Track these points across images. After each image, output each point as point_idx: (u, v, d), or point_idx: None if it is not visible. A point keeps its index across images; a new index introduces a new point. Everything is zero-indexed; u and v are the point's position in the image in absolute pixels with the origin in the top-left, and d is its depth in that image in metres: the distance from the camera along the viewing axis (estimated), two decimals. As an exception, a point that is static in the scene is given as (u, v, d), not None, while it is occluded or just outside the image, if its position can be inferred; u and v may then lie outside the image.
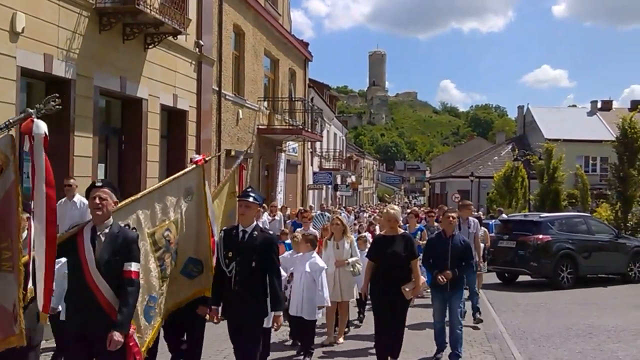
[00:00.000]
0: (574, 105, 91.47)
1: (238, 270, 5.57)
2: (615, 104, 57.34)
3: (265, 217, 15.85)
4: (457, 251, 7.82)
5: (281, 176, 24.94)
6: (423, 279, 7.40)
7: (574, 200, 33.78)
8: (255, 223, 5.79)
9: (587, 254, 15.77)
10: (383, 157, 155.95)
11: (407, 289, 7.07)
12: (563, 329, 10.38)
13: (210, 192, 6.53)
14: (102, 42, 11.90)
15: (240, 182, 7.39)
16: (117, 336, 4.41)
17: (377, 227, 12.18)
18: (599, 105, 55.34)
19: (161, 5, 12.69)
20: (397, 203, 66.87)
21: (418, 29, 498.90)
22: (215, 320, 5.79)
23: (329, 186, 37.67)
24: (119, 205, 5.01)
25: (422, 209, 27.27)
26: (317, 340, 8.51)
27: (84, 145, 11.36)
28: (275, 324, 5.68)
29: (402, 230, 7.81)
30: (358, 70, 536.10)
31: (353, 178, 53.82)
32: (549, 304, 12.98)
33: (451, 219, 8.03)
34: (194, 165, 6.18)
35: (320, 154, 36.49)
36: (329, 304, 8.30)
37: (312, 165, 33.18)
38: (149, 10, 11.94)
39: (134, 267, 4.61)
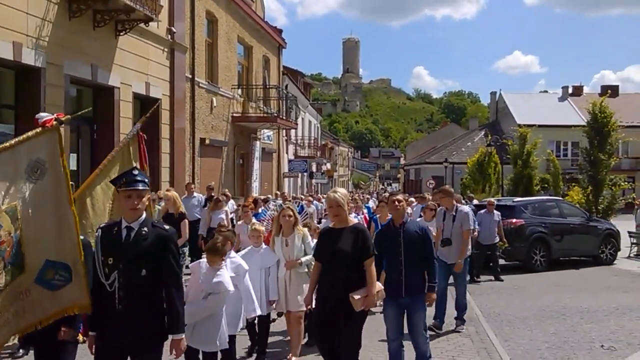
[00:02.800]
0: (546, 91, 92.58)
1: (122, 282, 4.15)
2: (585, 89, 58.07)
3: (231, 205, 15.28)
4: (411, 243, 6.12)
5: (256, 164, 24.87)
6: (380, 285, 5.73)
7: (546, 185, 34.22)
8: (144, 216, 4.28)
9: (559, 237, 16.01)
10: (358, 144, 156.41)
11: (356, 298, 5.36)
12: (537, 310, 10.53)
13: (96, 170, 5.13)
14: (72, 29, 11.69)
15: (142, 157, 5.38)
16: None
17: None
18: (570, 90, 56.09)
19: (132, -8, 12.51)
20: (372, 190, 67.19)
21: (391, 16, 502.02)
22: (93, 351, 4.33)
23: (305, 174, 37.69)
24: None
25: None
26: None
27: (55, 134, 11.17)
28: (174, 351, 4.30)
29: (355, 221, 6.07)
30: (332, 57, 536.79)
31: (328, 165, 53.92)
32: (523, 287, 13.17)
33: (397, 203, 6.24)
34: (40, 128, 4.20)
35: (295, 141, 36.44)
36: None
37: (287, 153, 33.12)
38: (119, -3, 11.78)
39: None
